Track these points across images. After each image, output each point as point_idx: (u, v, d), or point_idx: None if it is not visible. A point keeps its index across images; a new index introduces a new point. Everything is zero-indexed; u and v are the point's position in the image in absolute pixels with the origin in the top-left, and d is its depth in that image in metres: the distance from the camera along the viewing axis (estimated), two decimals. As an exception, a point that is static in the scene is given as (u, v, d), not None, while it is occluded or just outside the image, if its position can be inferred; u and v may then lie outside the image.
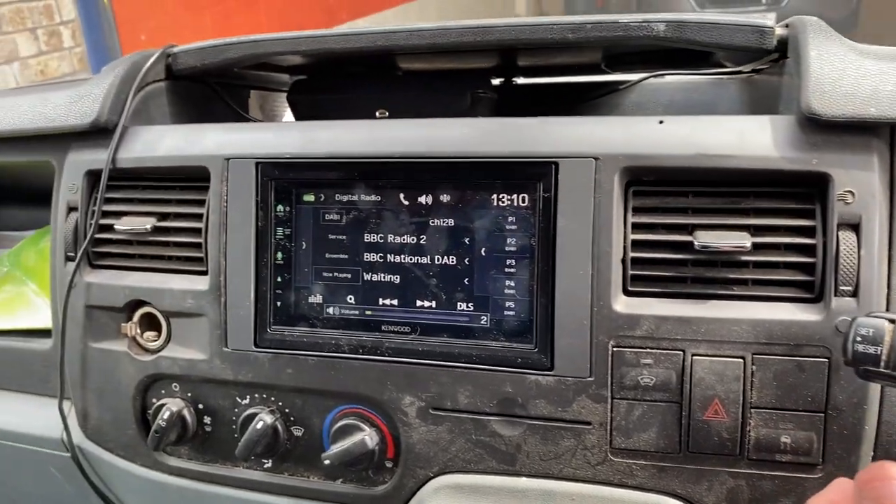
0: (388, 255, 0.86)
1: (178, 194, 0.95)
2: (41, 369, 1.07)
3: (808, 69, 0.75)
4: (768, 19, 0.85)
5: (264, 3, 5.21)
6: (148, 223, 0.94)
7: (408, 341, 0.85)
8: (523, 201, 0.81)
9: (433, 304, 0.84)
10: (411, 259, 0.85)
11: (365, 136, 0.87)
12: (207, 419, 0.95)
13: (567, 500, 0.82)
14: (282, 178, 0.88)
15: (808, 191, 0.75)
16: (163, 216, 0.95)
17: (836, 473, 0.74)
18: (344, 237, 0.87)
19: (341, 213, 0.87)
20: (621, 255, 0.78)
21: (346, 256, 0.87)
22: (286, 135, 0.90)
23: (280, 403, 0.91)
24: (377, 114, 1.10)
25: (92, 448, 1.03)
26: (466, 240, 0.83)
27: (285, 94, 1.21)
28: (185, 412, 0.94)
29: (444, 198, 0.83)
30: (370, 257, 0.86)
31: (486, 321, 0.83)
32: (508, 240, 0.81)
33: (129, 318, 0.97)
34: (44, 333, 1.08)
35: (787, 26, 0.85)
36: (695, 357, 0.76)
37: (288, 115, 1.34)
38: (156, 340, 0.96)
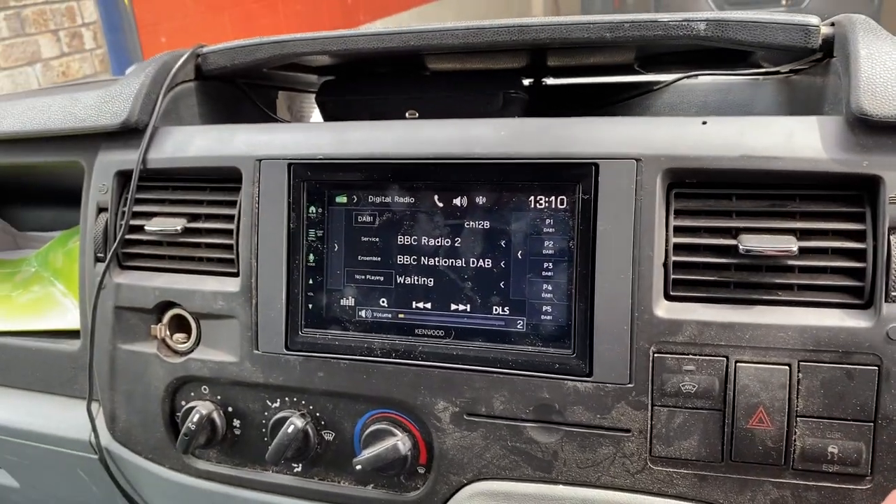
0: (422, 258, 0.84)
1: (208, 195, 0.95)
2: (69, 370, 1.06)
3: (859, 69, 0.73)
4: (813, 18, 0.83)
5: (283, 4, 5.22)
6: (178, 224, 0.93)
7: (442, 345, 0.83)
8: (562, 203, 0.79)
9: (468, 307, 0.83)
10: (446, 262, 0.83)
11: (399, 137, 0.85)
12: (237, 422, 0.94)
13: (605, 508, 0.80)
14: (314, 180, 0.87)
15: (858, 193, 0.73)
16: (193, 217, 0.94)
17: (885, 485, 0.72)
18: (377, 239, 0.86)
19: (374, 215, 0.86)
20: (663, 259, 0.77)
21: (379, 259, 0.86)
22: (318, 135, 0.89)
23: (311, 407, 0.90)
24: (407, 114, 1.08)
25: (120, 450, 1.02)
26: (503, 242, 0.81)
27: (313, 95, 1.20)
28: (215, 415, 0.93)
29: (480, 199, 0.82)
30: (403, 260, 0.85)
31: (523, 325, 0.81)
32: (546, 242, 0.80)
33: (159, 320, 0.96)
34: (71, 334, 1.07)
35: (832, 25, 0.83)
36: (739, 364, 0.74)
37: (315, 116, 1.33)
38: (185, 342, 0.95)
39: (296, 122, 1.31)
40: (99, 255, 0.98)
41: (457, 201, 0.83)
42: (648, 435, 0.78)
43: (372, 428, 0.87)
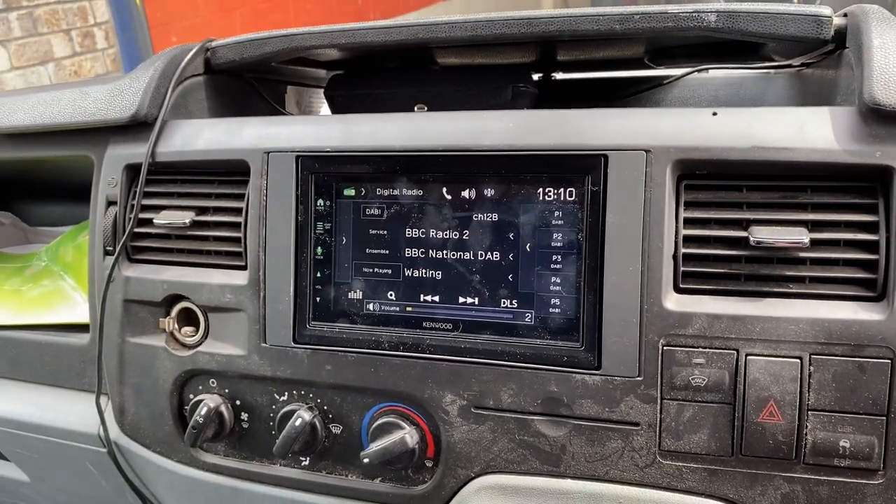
0: (430, 251, 0.84)
1: (217, 188, 0.95)
2: (78, 364, 1.06)
3: (872, 58, 0.72)
4: (825, 8, 0.82)
5: (294, 4, 5.23)
6: (187, 217, 0.93)
7: (450, 338, 0.83)
8: (570, 195, 0.79)
9: (476, 300, 0.82)
10: (454, 255, 0.83)
11: (407, 129, 0.85)
12: (245, 416, 0.94)
13: (614, 503, 0.79)
14: (322, 172, 0.87)
15: (871, 185, 0.72)
16: (202, 210, 0.94)
17: (898, 480, 0.71)
18: (385, 232, 0.85)
19: (382, 208, 0.86)
20: (672, 251, 0.76)
21: (387, 252, 0.85)
22: (327, 128, 0.89)
23: (318, 400, 0.90)
24: (416, 108, 1.08)
25: (128, 443, 1.02)
26: (511, 235, 0.81)
27: (321, 90, 1.20)
28: (223, 408, 0.93)
29: (489, 192, 0.82)
30: (411, 253, 0.85)
31: (531, 318, 0.80)
32: (555, 235, 0.79)
33: (167, 313, 0.96)
34: (81, 328, 1.08)
35: (845, 15, 0.82)
36: (749, 357, 0.73)
37: (324, 111, 1.33)
38: (193, 336, 0.95)
39: (305, 116, 1.31)
40: (108, 248, 0.98)
41: (465, 194, 0.83)
42: (658, 429, 0.77)
43: (379, 421, 0.87)
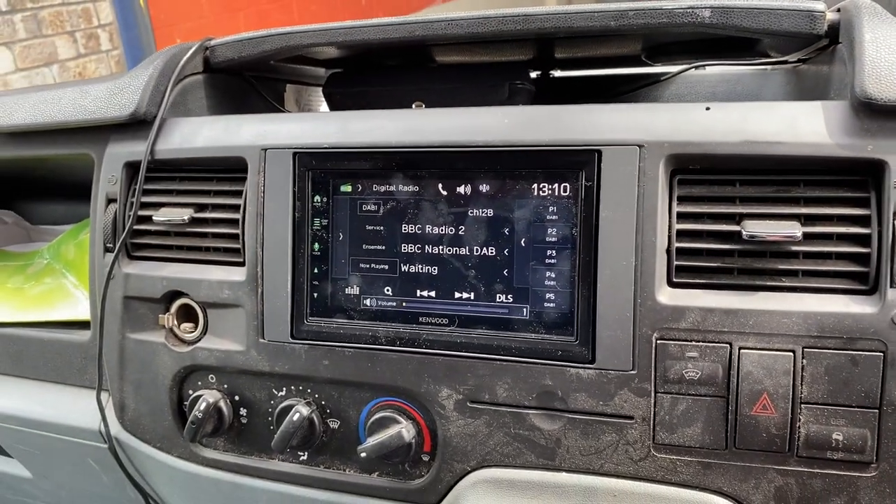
0: (426, 246, 0.85)
1: (215, 185, 0.95)
2: (79, 361, 1.07)
3: (863, 52, 0.73)
4: (819, 3, 0.82)
5: (298, 5, 5.25)
6: (185, 214, 0.94)
7: (446, 333, 0.84)
8: (565, 190, 0.79)
9: (472, 295, 0.83)
10: (449, 250, 0.84)
11: (403, 126, 0.86)
12: (243, 411, 0.94)
13: (608, 496, 0.80)
14: (319, 169, 0.88)
15: (863, 178, 0.73)
16: (200, 207, 0.95)
17: (890, 472, 0.72)
18: (381, 228, 0.86)
19: (378, 204, 0.86)
20: (666, 246, 0.76)
21: (384, 247, 0.86)
22: (323, 125, 0.90)
23: (316, 395, 0.90)
24: (414, 106, 1.09)
25: (129, 439, 1.03)
26: (506, 230, 0.81)
27: (320, 88, 1.21)
28: (222, 404, 0.94)
29: (484, 187, 0.82)
30: (407, 248, 0.85)
31: (526, 313, 0.81)
32: (549, 230, 0.80)
33: (167, 310, 0.97)
34: (82, 325, 1.08)
35: (838, 11, 0.83)
36: (742, 350, 0.74)
37: (323, 109, 1.33)
38: (192, 332, 0.96)
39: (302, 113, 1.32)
40: (108, 245, 0.99)
41: (460, 189, 0.83)
42: (651, 422, 0.77)
43: (377, 416, 0.87)
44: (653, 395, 0.77)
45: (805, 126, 0.73)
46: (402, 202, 0.85)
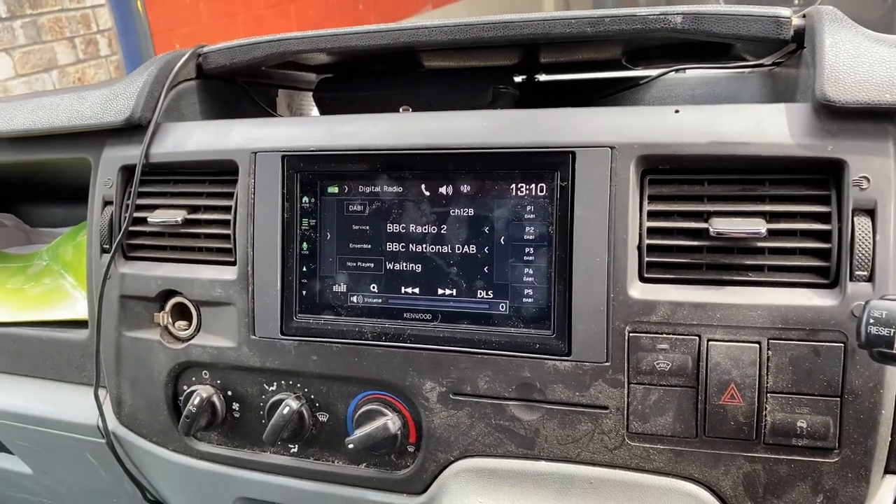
0: (410, 245, 0.88)
1: (207, 187, 0.99)
2: (78, 359, 1.11)
3: (823, 56, 0.76)
4: (785, 10, 0.86)
5: (295, 11, 5.29)
6: (179, 216, 0.97)
7: (429, 328, 0.87)
8: (541, 190, 0.82)
9: (454, 291, 0.86)
10: (432, 248, 0.87)
11: (387, 129, 0.89)
12: (236, 405, 0.98)
13: (585, 483, 0.83)
14: (307, 171, 0.91)
15: (824, 177, 0.76)
16: (193, 209, 0.98)
17: (852, 458, 0.75)
18: (367, 227, 0.89)
19: (364, 205, 0.89)
20: (637, 243, 0.80)
21: (369, 246, 0.89)
22: (311, 129, 0.93)
23: (306, 390, 0.94)
24: (401, 110, 1.12)
25: (125, 434, 1.06)
26: (486, 229, 0.85)
27: (311, 93, 1.24)
28: (215, 398, 0.97)
29: (465, 188, 0.85)
30: (392, 247, 0.88)
31: (505, 308, 0.84)
32: (527, 228, 0.83)
33: (162, 308, 1.00)
34: (80, 324, 1.12)
35: (804, 17, 0.86)
36: (711, 342, 0.77)
37: (314, 114, 1.37)
38: (186, 329, 0.99)
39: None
40: (105, 246, 1.03)
41: (442, 190, 0.86)
42: (625, 412, 0.81)
43: (364, 409, 0.90)
44: (626, 385, 0.80)
45: (770, 127, 0.76)
46: (386, 202, 0.89)
